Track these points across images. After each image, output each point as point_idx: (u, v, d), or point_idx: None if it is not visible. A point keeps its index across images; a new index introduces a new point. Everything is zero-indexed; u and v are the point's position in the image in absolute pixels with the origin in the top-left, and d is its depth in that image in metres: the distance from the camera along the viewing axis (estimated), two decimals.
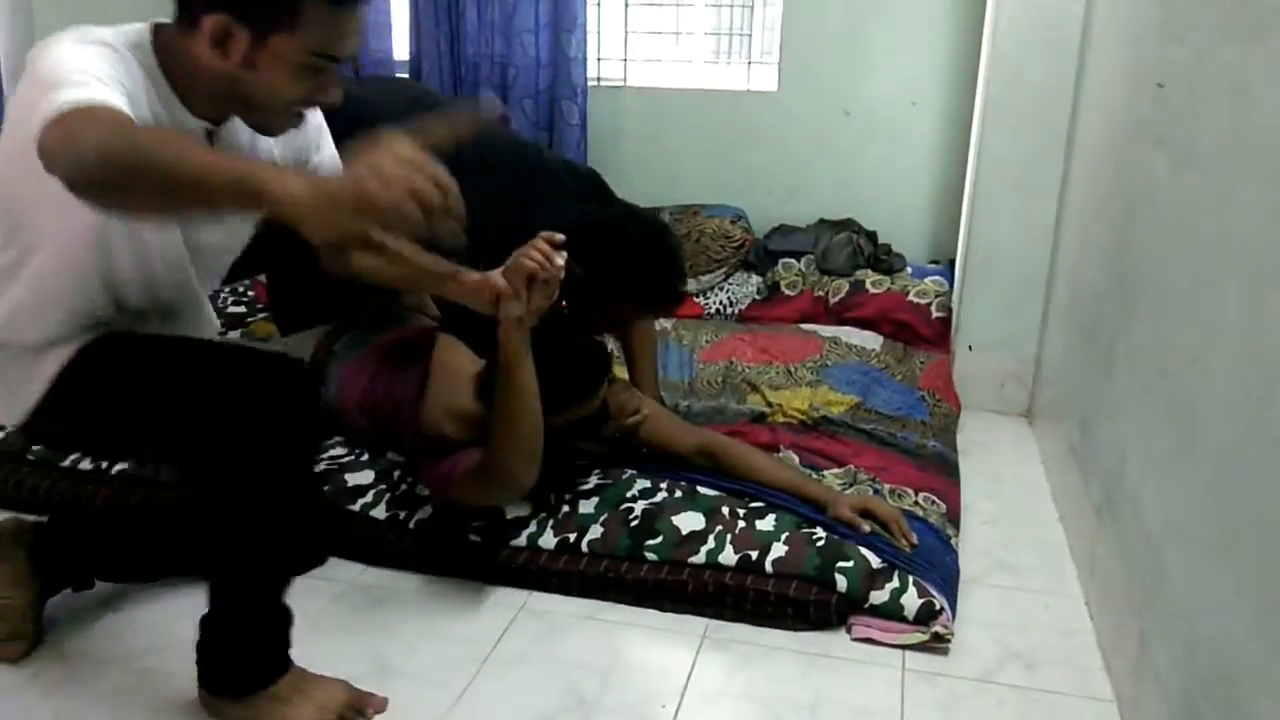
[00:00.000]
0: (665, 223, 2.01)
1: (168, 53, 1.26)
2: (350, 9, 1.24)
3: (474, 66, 3.45)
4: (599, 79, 3.50)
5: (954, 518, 2.04)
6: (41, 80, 1.09)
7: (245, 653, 1.40)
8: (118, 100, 1.09)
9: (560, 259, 1.60)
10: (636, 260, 2.02)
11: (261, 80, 1.24)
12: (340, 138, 1.98)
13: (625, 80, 3.55)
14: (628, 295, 2.05)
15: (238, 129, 1.37)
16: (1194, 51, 1.56)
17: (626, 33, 3.53)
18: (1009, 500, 2.28)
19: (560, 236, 1.61)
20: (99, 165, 0.99)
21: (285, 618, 1.41)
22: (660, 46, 3.64)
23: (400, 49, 3.59)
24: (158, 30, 1.28)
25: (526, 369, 1.64)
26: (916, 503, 2.04)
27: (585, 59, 3.38)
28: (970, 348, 2.80)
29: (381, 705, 1.49)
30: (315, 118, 1.54)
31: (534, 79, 3.41)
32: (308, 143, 1.53)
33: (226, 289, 3.05)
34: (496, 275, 1.62)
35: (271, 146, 1.45)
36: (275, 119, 1.33)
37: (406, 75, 3.54)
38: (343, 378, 2.12)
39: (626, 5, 3.50)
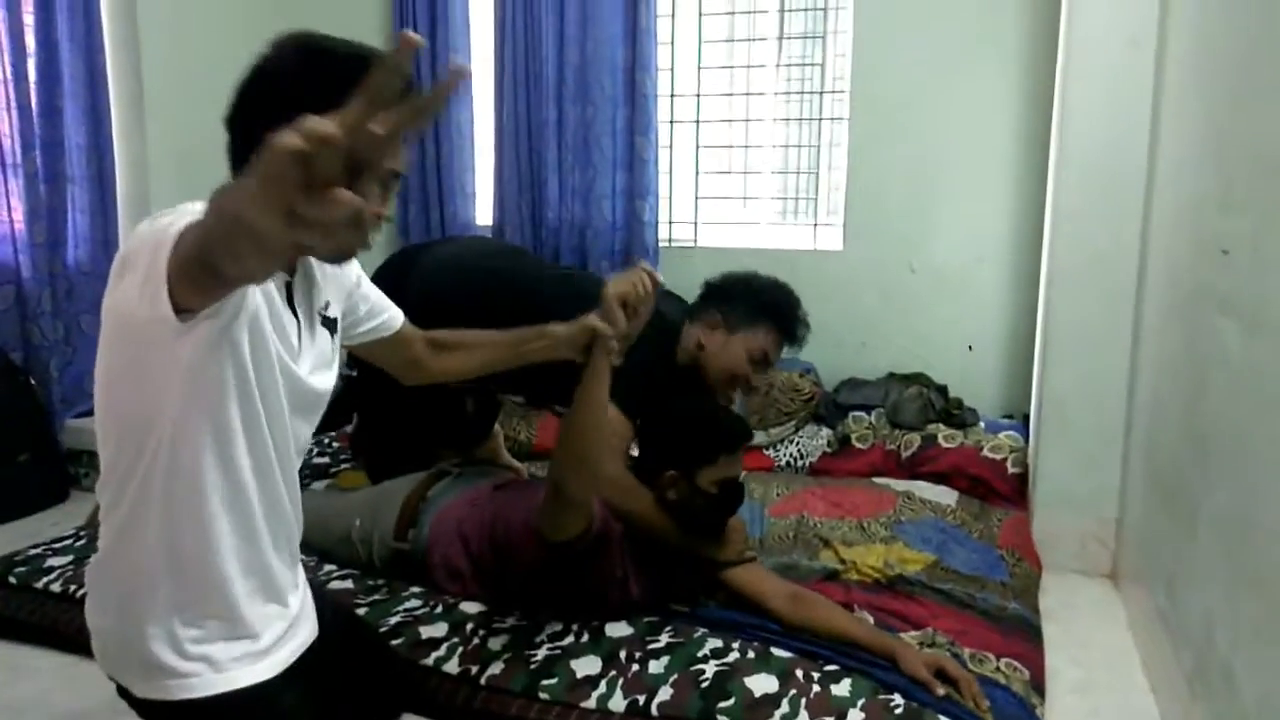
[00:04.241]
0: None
1: None
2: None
3: (554, 230, 3.66)
4: (670, 240, 3.66)
5: (1038, 685, 1.97)
6: (138, 251, 1.05)
7: None
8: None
9: (656, 279, 1.67)
10: (761, 289, 2.26)
11: None
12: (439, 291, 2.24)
13: (696, 241, 3.70)
14: (761, 320, 2.22)
15: (302, 286, 1.35)
16: (1256, 220, 1.60)
17: (697, 198, 3.71)
18: (1096, 667, 2.20)
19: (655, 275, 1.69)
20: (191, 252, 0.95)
21: None
22: (729, 210, 3.80)
23: (484, 215, 3.81)
24: None
25: (603, 388, 1.71)
26: (998, 669, 1.98)
27: (657, 222, 3.56)
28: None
29: None
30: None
31: (610, 241, 3.60)
32: (351, 277, 1.51)
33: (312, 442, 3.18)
34: (591, 316, 1.66)
35: (324, 289, 1.40)
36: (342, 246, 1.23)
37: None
38: (439, 516, 2.22)
39: (697, 174, 3.69)
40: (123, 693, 1.30)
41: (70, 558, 2.41)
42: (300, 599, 1.42)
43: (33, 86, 3.14)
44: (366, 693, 1.71)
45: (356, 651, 1.67)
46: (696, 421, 2.04)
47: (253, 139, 1.11)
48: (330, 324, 1.38)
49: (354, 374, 2.56)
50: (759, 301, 2.23)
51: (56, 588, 2.28)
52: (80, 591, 2.24)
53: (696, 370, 2.23)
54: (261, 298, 1.18)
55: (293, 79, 1.20)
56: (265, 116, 1.09)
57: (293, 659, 1.35)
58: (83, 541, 2.52)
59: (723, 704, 1.81)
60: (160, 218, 1.10)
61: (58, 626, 2.21)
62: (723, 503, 2.06)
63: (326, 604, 1.55)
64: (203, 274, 0.95)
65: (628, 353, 2.01)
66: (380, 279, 2.31)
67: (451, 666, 1.96)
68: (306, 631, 1.42)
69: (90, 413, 3.30)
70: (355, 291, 1.52)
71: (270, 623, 1.32)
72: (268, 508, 1.30)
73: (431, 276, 2.37)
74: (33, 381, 3.20)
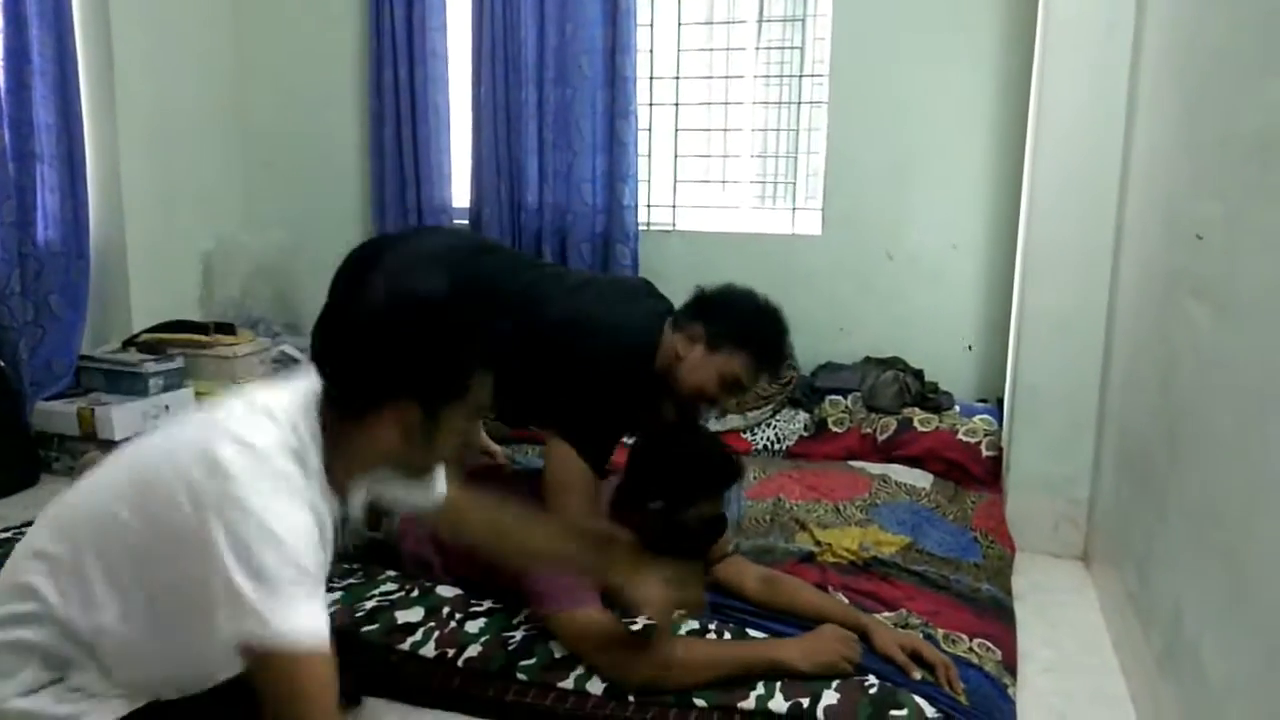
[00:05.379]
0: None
1: (327, 437, 1.27)
2: (498, 366, 1.34)
3: (534, 213, 3.64)
4: (649, 224, 3.65)
5: (1010, 665, 1.99)
6: (238, 539, 1.12)
7: None
8: (323, 625, 1.16)
9: None
10: (753, 314, 2.11)
11: (432, 448, 1.32)
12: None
13: (674, 225, 3.70)
14: (744, 347, 2.07)
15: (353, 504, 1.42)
16: (1230, 207, 1.61)
17: (675, 181, 3.69)
18: (1067, 647, 2.22)
19: None
20: None
21: None
22: (708, 193, 3.80)
23: (460, 197, 3.79)
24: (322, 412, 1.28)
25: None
26: (971, 649, 2.00)
27: (637, 206, 3.54)
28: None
29: None
30: None
31: (590, 224, 3.58)
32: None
33: None
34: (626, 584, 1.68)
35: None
36: (428, 474, 1.44)
37: (465, 221, 3.73)
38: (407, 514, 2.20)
39: (676, 156, 3.68)
40: None
41: None
42: None
43: (0, 64, 3.08)
44: None
45: None
46: (690, 464, 1.98)
47: (361, 393, 1.26)
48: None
49: None
50: (746, 327, 2.08)
51: None
52: None
53: (669, 379, 2.12)
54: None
55: (397, 341, 1.23)
56: (378, 377, 1.24)
57: None
58: None
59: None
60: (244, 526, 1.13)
61: None
62: (706, 536, 2.05)
63: None
64: None
65: (595, 392, 2.01)
66: (345, 274, 2.28)
67: (428, 650, 1.95)
68: None
69: (59, 395, 3.25)
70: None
71: None
72: None
73: (394, 276, 2.24)
74: (1, 364, 3.15)
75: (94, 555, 1.24)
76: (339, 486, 1.31)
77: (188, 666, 1.31)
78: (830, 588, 2.21)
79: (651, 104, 3.63)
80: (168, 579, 1.21)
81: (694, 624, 2.01)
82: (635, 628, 1.86)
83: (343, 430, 1.27)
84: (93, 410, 3.13)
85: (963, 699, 1.80)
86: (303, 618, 1.13)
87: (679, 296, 2.36)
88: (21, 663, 1.26)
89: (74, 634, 1.25)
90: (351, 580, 2.17)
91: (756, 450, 3.23)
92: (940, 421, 3.12)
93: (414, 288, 1.27)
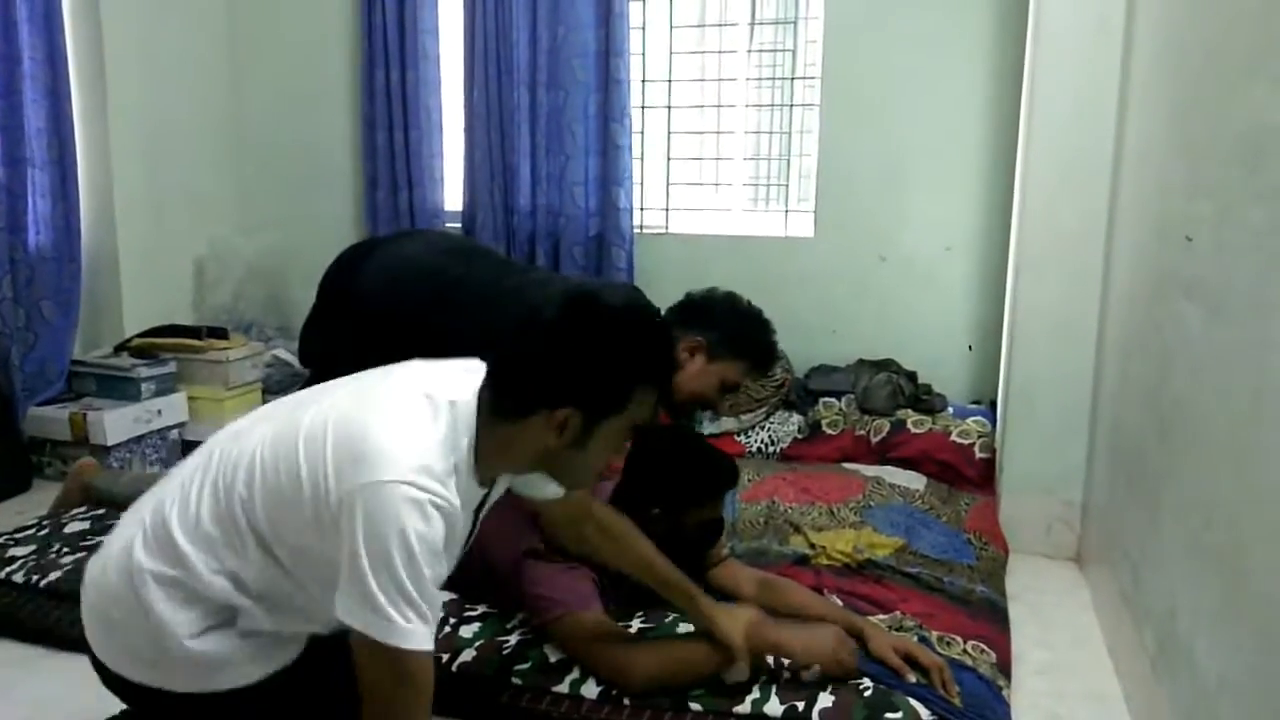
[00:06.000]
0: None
1: (481, 431, 1.33)
2: (663, 384, 1.38)
3: (527, 216, 3.63)
4: (642, 227, 3.65)
5: (1004, 667, 1.99)
6: (373, 529, 1.18)
7: None
8: (431, 628, 1.23)
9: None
10: (744, 321, 2.19)
11: (587, 456, 1.36)
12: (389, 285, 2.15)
13: (667, 228, 3.70)
14: (742, 354, 2.16)
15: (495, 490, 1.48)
16: (1219, 206, 1.62)
17: (668, 184, 3.70)
18: (1061, 649, 2.23)
19: None
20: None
21: None
22: (701, 196, 3.80)
23: (452, 201, 3.78)
24: (480, 407, 1.32)
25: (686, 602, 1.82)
26: (965, 651, 2.00)
27: (632, 209, 3.54)
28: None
29: None
30: None
31: (583, 227, 3.58)
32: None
33: None
34: (733, 643, 1.75)
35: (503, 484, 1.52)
36: (581, 483, 1.49)
37: (458, 225, 3.73)
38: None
39: (669, 160, 3.68)
40: (113, 681, 1.36)
41: (33, 547, 2.38)
42: None
43: None
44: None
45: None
46: (689, 467, 2.01)
47: (527, 395, 1.30)
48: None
49: (308, 374, 2.48)
50: (744, 335, 2.17)
51: (19, 578, 2.24)
52: (42, 581, 2.21)
53: None
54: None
55: (572, 349, 1.29)
56: (548, 382, 1.29)
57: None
58: (45, 531, 2.48)
59: (695, 690, 1.81)
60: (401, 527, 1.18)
61: (18, 617, 2.17)
62: (704, 540, 2.06)
63: None
64: None
65: None
66: (332, 277, 2.28)
67: None
68: None
69: (52, 401, 3.24)
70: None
71: None
72: None
73: (376, 279, 2.21)
74: None
75: (240, 508, 1.29)
76: (485, 474, 1.36)
77: (319, 620, 1.36)
78: (825, 590, 2.21)
79: (644, 107, 3.63)
80: (296, 543, 1.27)
81: (689, 626, 2.01)
82: (633, 629, 1.86)
83: (499, 425, 1.32)
84: (84, 415, 3.11)
85: (957, 701, 1.80)
86: (417, 620, 1.20)
87: (672, 300, 2.37)
88: (191, 603, 1.31)
89: (238, 582, 1.31)
90: None
91: (750, 453, 3.23)
92: (934, 423, 3.13)
93: (594, 298, 1.33)
